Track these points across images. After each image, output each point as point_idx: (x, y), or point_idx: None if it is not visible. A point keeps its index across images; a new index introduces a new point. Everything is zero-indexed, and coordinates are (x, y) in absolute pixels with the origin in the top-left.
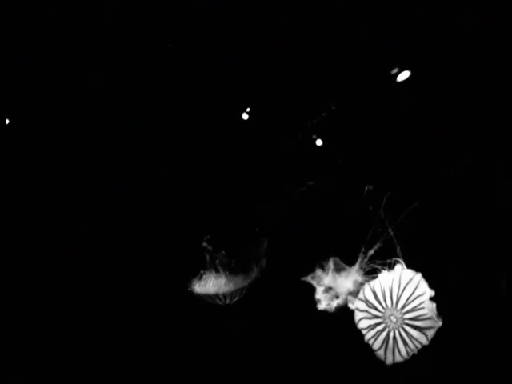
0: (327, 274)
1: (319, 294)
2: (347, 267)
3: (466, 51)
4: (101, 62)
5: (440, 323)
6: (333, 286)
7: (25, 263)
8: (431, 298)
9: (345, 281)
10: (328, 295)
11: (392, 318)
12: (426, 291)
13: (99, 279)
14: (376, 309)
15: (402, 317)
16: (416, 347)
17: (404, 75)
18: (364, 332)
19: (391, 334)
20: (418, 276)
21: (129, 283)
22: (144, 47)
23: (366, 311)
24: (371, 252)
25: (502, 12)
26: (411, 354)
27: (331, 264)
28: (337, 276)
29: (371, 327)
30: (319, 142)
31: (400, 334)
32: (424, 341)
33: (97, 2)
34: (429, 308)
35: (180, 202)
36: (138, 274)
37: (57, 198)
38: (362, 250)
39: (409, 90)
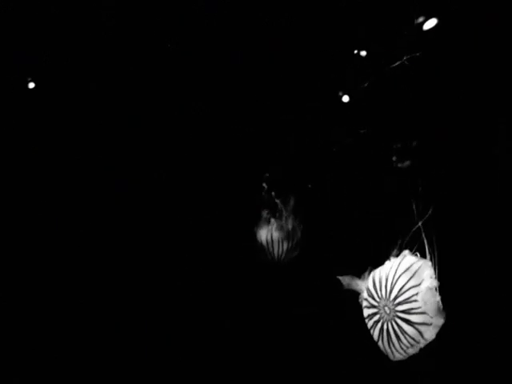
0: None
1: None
2: None
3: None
4: (100, 62)
5: (438, 321)
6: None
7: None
8: (439, 294)
9: None
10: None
11: (386, 308)
12: (422, 282)
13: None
14: (373, 297)
15: (394, 308)
16: (411, 344)
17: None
18: (366, 321)
19: (384, 326)
20: (417, 264)
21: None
22: (144, 46)
23: (366, 300)
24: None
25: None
26: (410, 352)
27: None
28: None
29: (369, 317)
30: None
31: (392, 327)
32: (420, 339)
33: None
34: (424, 301)
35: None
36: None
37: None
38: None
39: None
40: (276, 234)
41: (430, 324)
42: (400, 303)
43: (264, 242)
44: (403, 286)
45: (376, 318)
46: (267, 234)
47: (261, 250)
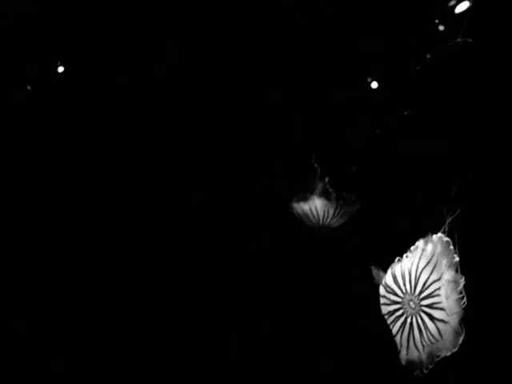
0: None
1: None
2: None
3: None
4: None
5: (454, 320)
6: None
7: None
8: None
9: None
10: None
11: (411, 303)
12: (442, 275)
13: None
14: (395, 294)
15: (419, 303)
16: (430, 342)
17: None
18: (386, 317)
19: (408, 320)
20: (435, 258)
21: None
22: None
23: (384, 296)
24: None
25: None
26: (424, 356)
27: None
28: None
29: (390, 313)
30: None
31: (417, 321)
32: (439, 338)
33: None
34: (446, 295)
35: None
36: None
37: None
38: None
39: None
40: (320, 203)
41: (447, 322)
42: (425, 298)
43: (307, 211)
44: (426, 281)
45: (399, 313)
46: (310, 204)
47: (304, 216)
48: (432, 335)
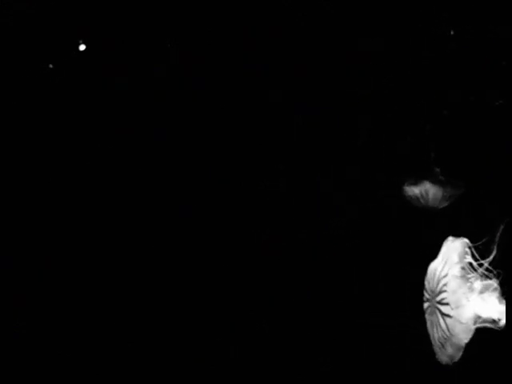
0: None
1: None
2: None
3: None
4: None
5: (459, 314)
6: None
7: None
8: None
9: None
10: None
11: (433, 300)
12: (449, 272)
13: None
14: (426, 291)
15: (434, 299)
16: (444, 339)
17: None
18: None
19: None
20: (448, 253)
21: None
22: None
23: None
24: None
25: None
26: (449, 352)
27: None
28: None
29: (425, 311)
30: None
31: (434, 319)
32: (448, 334)
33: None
34: (452, 290)
35: None
36: None
37: None
38: None
39: None
40: (432, 189)
41: (452, 317)
42: (437, 294)
43: (418, 195)
44: (438, 277)
45: (429, 310)
46: (421, 188)
47: (414, 199)
48: (443, 331)
